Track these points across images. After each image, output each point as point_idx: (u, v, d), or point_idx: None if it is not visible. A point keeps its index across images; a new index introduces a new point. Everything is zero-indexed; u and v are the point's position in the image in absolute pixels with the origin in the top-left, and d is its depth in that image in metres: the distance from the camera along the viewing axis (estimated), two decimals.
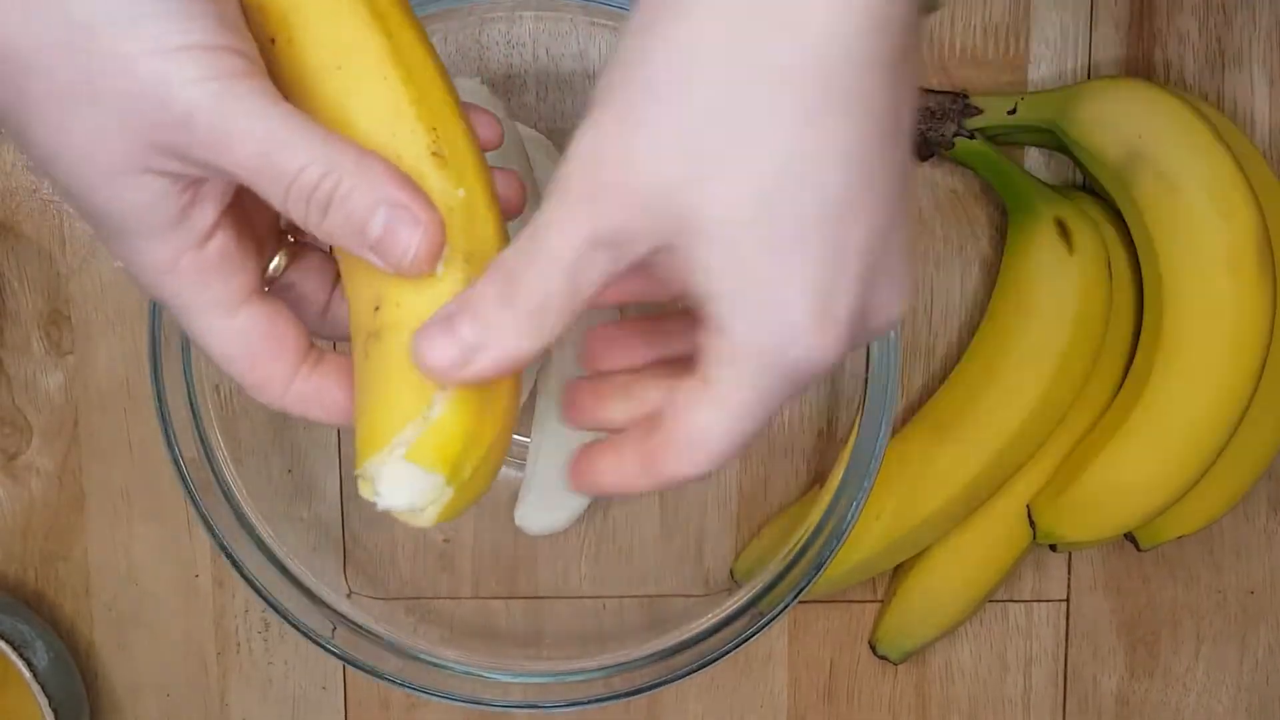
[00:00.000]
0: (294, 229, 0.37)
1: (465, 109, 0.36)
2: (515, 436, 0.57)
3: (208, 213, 0.33)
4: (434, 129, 0.34)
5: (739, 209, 0.27)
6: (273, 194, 0.31)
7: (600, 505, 0.62)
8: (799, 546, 0.54)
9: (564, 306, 0.29)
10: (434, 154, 0.33)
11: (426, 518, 0.33)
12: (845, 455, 0.54)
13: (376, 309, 0.33)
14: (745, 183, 0.26)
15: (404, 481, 0.32)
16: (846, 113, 0.26)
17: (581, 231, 0.28)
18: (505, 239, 0.34)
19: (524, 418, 0.58)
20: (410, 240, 0.31)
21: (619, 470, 0.31)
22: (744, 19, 0.26)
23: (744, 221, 0.27)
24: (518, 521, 0.58)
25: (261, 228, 0.35)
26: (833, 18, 0.25)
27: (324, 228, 0.31)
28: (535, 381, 0.58)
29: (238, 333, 0.34)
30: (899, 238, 0.28)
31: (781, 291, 0.27)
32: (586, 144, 0.28)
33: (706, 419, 0.29)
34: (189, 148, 0.31)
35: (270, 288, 0.36)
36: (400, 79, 0.34)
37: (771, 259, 0.27)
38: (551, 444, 0.57)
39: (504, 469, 0.56)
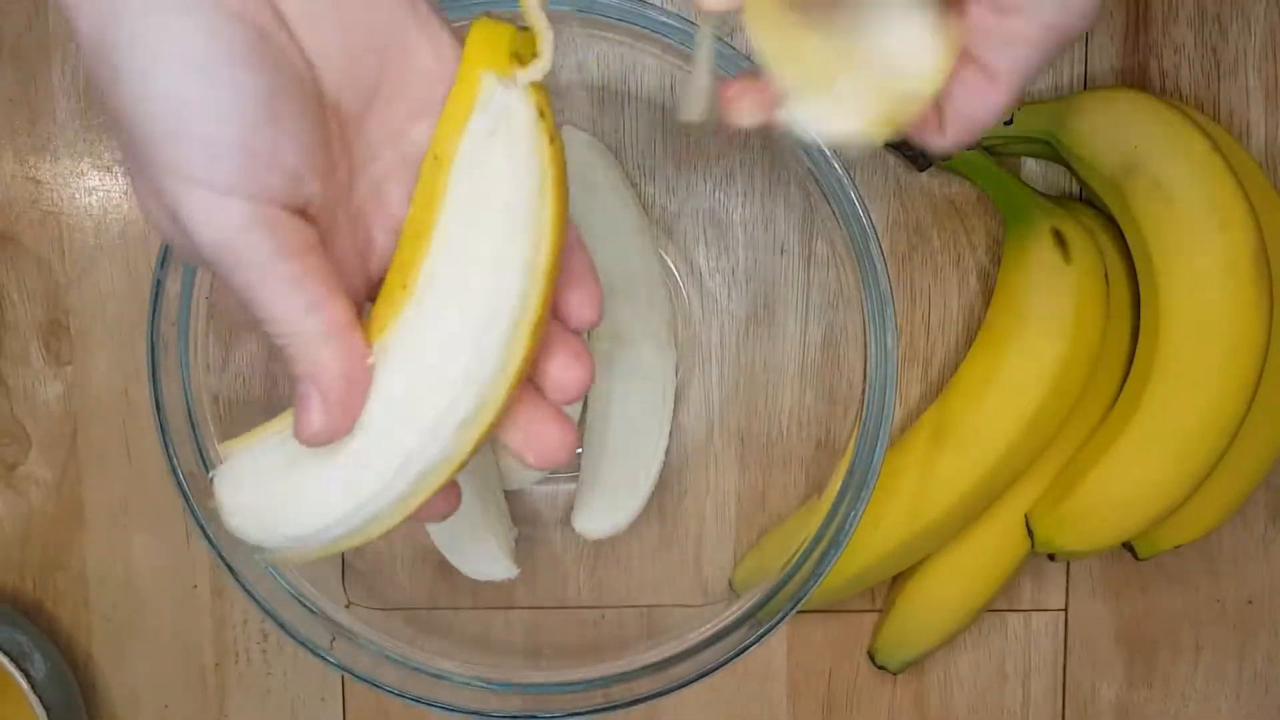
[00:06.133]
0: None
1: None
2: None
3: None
4: None
5: None
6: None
7: None
8: (797, 556, 0.54)
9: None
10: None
11: None
12: (843, 465, 0.54)
13: None
14: None
15: None
16: None
17: None
18: None
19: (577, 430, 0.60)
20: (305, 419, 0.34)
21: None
22: None
23: None
24: (578, 528, 0.60)
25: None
26: None
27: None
28: (586, 397, 0.60)
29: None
30: None
31: None
32: None
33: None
34: None
35: None
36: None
37: None
38: (605, 452, 0.60)
39: (552, 482, 0.58)
